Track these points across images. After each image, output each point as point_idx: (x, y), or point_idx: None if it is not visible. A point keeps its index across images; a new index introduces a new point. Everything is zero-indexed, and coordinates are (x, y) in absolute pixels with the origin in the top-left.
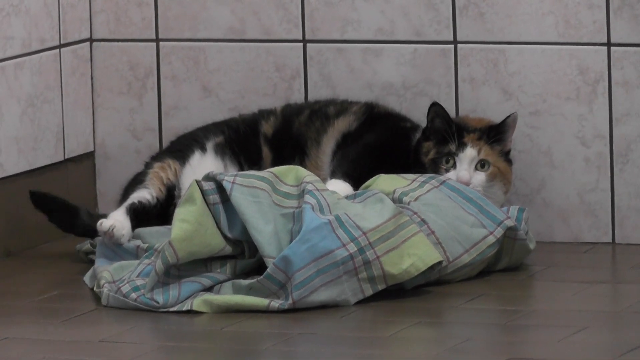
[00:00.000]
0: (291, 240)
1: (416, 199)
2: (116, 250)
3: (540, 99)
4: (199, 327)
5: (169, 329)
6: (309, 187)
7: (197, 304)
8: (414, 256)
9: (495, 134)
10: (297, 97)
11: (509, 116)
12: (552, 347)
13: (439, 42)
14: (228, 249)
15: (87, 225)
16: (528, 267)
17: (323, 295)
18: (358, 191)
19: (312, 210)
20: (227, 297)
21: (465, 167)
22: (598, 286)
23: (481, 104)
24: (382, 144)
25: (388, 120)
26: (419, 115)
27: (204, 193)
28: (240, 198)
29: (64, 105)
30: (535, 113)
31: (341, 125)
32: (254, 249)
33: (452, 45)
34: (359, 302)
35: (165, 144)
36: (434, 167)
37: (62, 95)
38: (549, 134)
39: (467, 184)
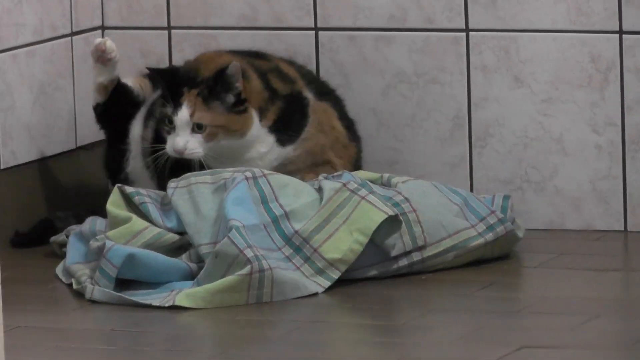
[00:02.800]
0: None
1: (404, 182)
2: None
3: (552, 86)
4: (211, 315)
5: (181, 319)
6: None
7: (179, 299)
8: (355, 232)
9: (217, 87)
10: None
11: (227, 67)
12: (564, 335)
13: (450, 30)
14: (182, 239)
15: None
16: (539, 255)
17: (287, 275)
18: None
19: (243, 200)
20: (208, 285)
21: (181, 132)
22: (610, 274)
23: (493, 92)
24: None
25: None
26: (430, 103)
27: (129, 196)
28: (179, 200)
29: (75, 93)
30: (547, 100)
31: None
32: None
33: (464, 33)
34: (371, 290)
35: None
36: (162, 133)
37: (73, 83)
38: (560, 121)
39: (182, 153)
